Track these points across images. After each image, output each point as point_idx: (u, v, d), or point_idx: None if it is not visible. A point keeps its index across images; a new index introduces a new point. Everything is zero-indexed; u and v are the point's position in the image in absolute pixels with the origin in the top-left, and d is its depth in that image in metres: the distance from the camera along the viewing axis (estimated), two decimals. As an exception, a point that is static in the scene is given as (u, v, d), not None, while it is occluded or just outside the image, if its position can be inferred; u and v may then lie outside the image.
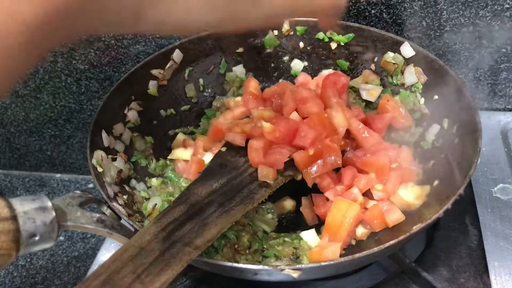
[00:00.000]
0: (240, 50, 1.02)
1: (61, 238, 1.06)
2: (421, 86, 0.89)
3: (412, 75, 0.90)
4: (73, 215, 0.64)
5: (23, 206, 0.57)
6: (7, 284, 0.99)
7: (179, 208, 0.69)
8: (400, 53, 0.91)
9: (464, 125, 0.79)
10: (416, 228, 0.65)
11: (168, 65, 0.98)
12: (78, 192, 0.70)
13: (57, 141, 1.35)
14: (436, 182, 0.79)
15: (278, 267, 0.62)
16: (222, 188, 0.76)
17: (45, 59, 1.18)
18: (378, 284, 0.81)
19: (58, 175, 1.42)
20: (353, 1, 0.98)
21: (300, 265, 0.62)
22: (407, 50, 0.90)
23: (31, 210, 0.58)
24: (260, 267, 0.63)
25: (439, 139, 0.85)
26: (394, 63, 0.92)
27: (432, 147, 0.86)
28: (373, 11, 0.99)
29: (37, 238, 0.58)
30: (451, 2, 0.95)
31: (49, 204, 0.60)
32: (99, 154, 0.82)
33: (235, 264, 0.64)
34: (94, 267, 0.91)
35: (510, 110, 1.10)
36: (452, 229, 0.87)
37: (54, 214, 0.59)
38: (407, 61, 0.91)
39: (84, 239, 1.04)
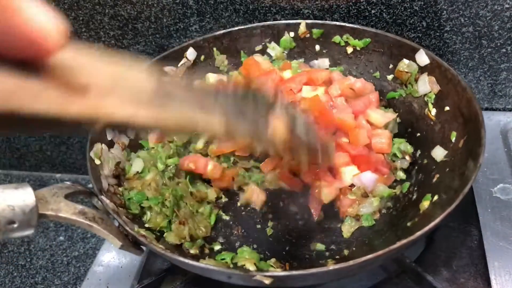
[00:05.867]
0: (259, 48, 1.02)
1: (61, 238, 1.06)
2: (433, 96, 0.87)
3: (426, 85, 0.88)
4: (56, 205, 0.64)
5: (4, 193, 0.57)
6: (7, 284, 0.99)
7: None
8: (415, 61, 0.89)
9: (471, 140, 0.76)
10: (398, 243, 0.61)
11: (181, 63, 0.98)
12: (68, 183, 0.70)
13: (57, 141, 1.35)
14: (436, 197, 0.76)
15: (249, 273, 0.61)
16: None
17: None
18: (378, 284, 0.81)
19: (58, 175, 1.42)
20: (353, 1, 0.98)
21: (271, 273, 0.61)
22: (422, 58, 0.88)
23: (11, 197, 0.58)
24: (231, 271, 0.63)
25: (446, 155, 0.82)
26: (407, 72, 0.90)
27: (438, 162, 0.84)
28: (373, 11, 0.99)
29: (15, 225, 0.58)
30: (451, 2, 0.95)
31: (31, 192, 0.60)
32: (99, 147, 0.82)
33: (208, 266, 0.63)
34: (94, 267, 0.91)
35: (510, 110, 1.10)
36: (452, 229, 0.87)
37: (34, 203, 0.59)
38: (422, 70, 0.89)
39: (84, 239, 1.04)
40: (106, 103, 0.40)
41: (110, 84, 0.42)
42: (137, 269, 0.89)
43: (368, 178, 0.84)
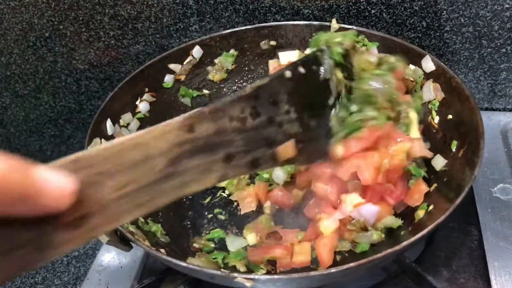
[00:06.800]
0: (261, 49, 1.02)
1: (61, 238, 1.06)
2: (437, 104, 0.86)
3: (430, 91, 0.86)
4: None
5: None
6: (7, 284, 0.99)
7: (206, 126, 0.53)
8: (420, 67, 0.88)
9: (470, 150, 0.75)
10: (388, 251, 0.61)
11: (187, 60, 0.98)
12: None
13: (57, 141, 1.35)
14: (431, 207, 0.76)
15: (231, 274, 0.61)
16: (249, 132, 0.59)
17: (44, 59, 1.18)
18: (378, 284, 0.81)
19: (58, 175, 1.42)
20: (353, 1, 0.98)
21: (253, 276, 0.61)
22: (428, 64, 0.86)
23: None
24: (213, 271, 0.62)
25: (446, 165, 0.81)
26: (412, 81, 0.89)
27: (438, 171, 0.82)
28: (373, 11, 0.99)
29: None
30: (451, 2, 0.95)
31: None
32: (97, 141, 0.82)
33: (189, 265, 0.63)
34: (95, 267, 0.91)
35: (510, 110, 1.10)
36: (452, 229, 0.87)
37: None
38: (427, 76, 0.87)
39: (84, 239, 1.05)
40: (96, 223, 0.40)
41: (106, 199, 0.42)
42: (137, 269, 0.89)
43: (368, 211, 0.75)
